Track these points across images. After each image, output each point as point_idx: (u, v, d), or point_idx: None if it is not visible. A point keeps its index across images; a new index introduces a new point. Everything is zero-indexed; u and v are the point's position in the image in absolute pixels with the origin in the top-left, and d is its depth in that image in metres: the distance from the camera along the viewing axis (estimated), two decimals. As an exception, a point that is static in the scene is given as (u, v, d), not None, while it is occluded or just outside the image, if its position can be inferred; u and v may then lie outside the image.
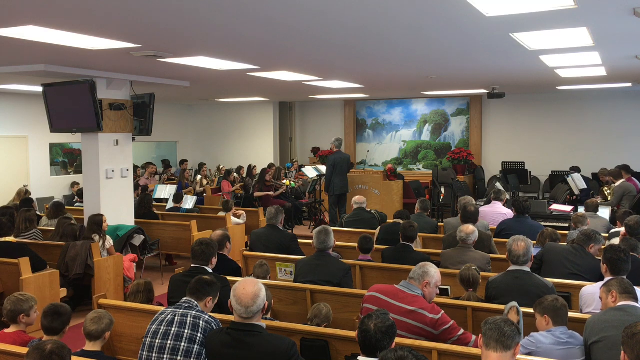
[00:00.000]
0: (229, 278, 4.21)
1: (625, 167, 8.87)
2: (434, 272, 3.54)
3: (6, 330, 3.72)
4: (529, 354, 3.13)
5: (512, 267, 4.04)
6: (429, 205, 7.10)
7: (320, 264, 4.65)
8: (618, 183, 8.53)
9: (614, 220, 6.75)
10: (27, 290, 5.30)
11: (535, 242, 5.04)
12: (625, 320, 2.95)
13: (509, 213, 6.75)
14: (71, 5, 3.78)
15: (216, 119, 15.58)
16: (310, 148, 15.18)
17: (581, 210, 6.95)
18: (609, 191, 8.75)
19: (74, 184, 11.88)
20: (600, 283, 3.87)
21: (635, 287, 3.38)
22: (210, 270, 4.15)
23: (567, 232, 6.17)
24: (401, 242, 5.23)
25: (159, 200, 10.26)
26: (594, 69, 7.63)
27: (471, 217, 5.66)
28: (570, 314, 3.71)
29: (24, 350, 3.19)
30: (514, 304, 3.42)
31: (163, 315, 3.24)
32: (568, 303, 4.26)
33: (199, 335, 3.12)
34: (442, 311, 3.42)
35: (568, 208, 8.10)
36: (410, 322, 3.37)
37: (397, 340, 2.87)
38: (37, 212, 7.85)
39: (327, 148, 14.16)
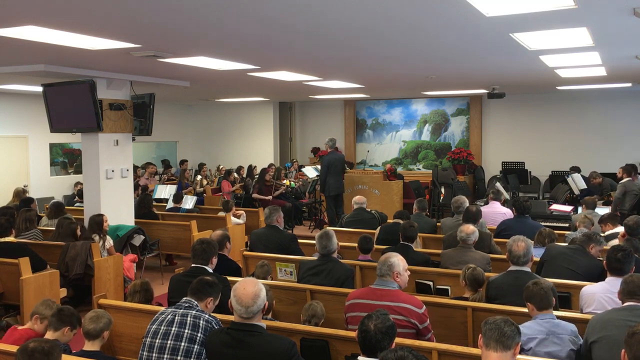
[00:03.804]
0: (229, 278, 4.21)
1: (634, 167, 8.84)
2: (397, 260, 3.68)
3: (19, 328, 3.77)
4: None
5: (512, 268, 4.04)
6: (427, 205, 7.10)
7: (324, 269, 4.62)
8: (623, 181, 8.39)
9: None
10: (27, 289, 5.31)
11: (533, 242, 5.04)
12: (627, 320, 2.95)
13: (508, 212, 6.76)
14: (71, 5, 3.78)
15: (216, 119, 15.58)
16: (310, 148, 15.17)
17: (581, 210, 6.94)
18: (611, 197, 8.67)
19: (77, 183, 11.79)
20: (601, 283, 3.87)
21: None
22: (211, 270, 4.15)
23: (567, 232, 6.17)
24: (401, 242, 5.23)
25: (159, 200, 10.26)
26: (594, 69, 7.63)
27: (472, 217, 5.66)
28: (571, 314, 3.72)
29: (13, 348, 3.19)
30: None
31: (163, 315, 3.24)
32: (568, 303, 4.27)
33: (199, 335, 3.12)
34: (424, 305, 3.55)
35: (568, 208, 8.11)
36: (396, 317, 3.38)
37: (396, 340, 2.87)
38: (37, 212, 7.84)
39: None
